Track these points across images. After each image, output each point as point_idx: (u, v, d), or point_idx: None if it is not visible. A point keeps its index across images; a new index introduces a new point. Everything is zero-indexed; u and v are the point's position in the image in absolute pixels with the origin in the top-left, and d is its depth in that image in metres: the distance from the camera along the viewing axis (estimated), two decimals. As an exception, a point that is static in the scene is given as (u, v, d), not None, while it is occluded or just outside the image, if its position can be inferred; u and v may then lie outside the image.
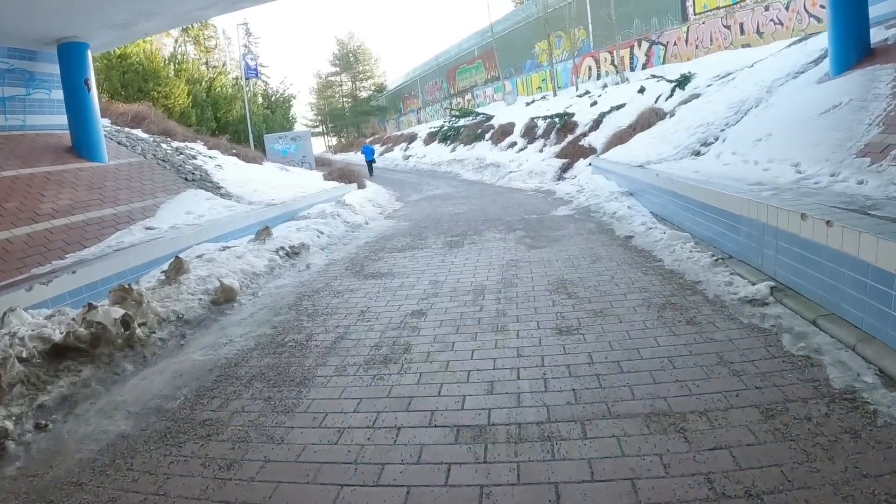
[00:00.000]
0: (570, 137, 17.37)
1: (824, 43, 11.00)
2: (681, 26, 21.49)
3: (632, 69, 23.13)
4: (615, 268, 5.88)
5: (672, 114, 14.43)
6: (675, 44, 21.86)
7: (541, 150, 18.52)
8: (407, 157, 31.13)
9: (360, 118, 60.32)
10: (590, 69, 26.53)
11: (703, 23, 20.63)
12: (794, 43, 13.31)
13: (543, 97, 26.12)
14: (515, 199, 12.71)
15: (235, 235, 8.77)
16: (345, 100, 63.25)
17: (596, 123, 16.77)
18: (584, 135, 16.81)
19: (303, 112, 67.71)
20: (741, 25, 19.36)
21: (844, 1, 8.48)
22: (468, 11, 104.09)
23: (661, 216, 8.31)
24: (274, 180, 14.02)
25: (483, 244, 7.82)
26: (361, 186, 16.76)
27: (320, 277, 6.81)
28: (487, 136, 24.03)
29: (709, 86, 15.01)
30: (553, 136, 18.58)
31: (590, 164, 15.14)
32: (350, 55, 62.54)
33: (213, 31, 46.53)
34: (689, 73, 15.98)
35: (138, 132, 14.29)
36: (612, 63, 24.89)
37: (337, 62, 63.48)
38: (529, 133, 20.50)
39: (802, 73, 10.16)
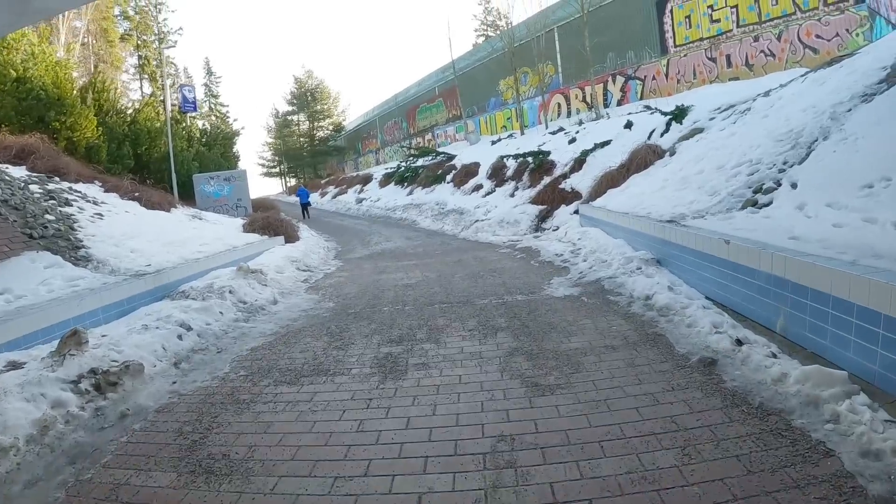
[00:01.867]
0: (547, 180, 14.25)
1: (885, 59, 8.25)
2: (660, 59, 18.92)
3: (605, 106, 20.43)
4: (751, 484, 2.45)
5: (673, 151, 11.56)
6: (653, 78, 19.27)
7: (512, 195, 15.35)
8: (360, 201, 27.73)
9: (317, 159, 57.00)
10: (559, 107, 23.81)
11: (685, 55, 18.08)
12: (828, 64, 10.48)
13: (510, 136, 23.21)
14: (488, 262, 9.35)
15: (36, 339, 5.13)
16: (302, 139, 59.82)
17: (578, 163, 13.71)
18: (565, 176, 13.71)
19: (260, 152, 64.27)
20: (728, 58, 16.83)
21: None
22: (430, 48, 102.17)
23: (735, 309, 5.03)
24: (172, 234, 10.38)
25: (443, 370, 4.27)
26: (292, 239, 13.22)
27: (113, 463, 3.19)
28: (449, 177, 20.87)
29: (711, 119, 12.19)
30: (526, 177, 15.45)
31: (575, 213, 12.02)
32: (308, 94, 59.37)
33: (172, 68, 43.01)
34: (683, 105, 13.12)
35: (5, 168, 10.62)
36: (584, 100, 22.21)
37: (294, 101, 60.22)
38: (497, 174, 17.37)
39: (874, 94, 7.24)
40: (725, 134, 9.87)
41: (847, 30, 13.93)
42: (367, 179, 32.51)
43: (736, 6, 16.33)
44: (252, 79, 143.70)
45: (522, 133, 22.92)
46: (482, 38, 40.73)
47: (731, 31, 16.60)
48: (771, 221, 5.75)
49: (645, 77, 19.42)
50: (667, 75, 18.61)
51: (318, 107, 59.53)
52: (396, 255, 11.58)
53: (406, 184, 24.43)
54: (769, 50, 15.63)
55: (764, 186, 6.79)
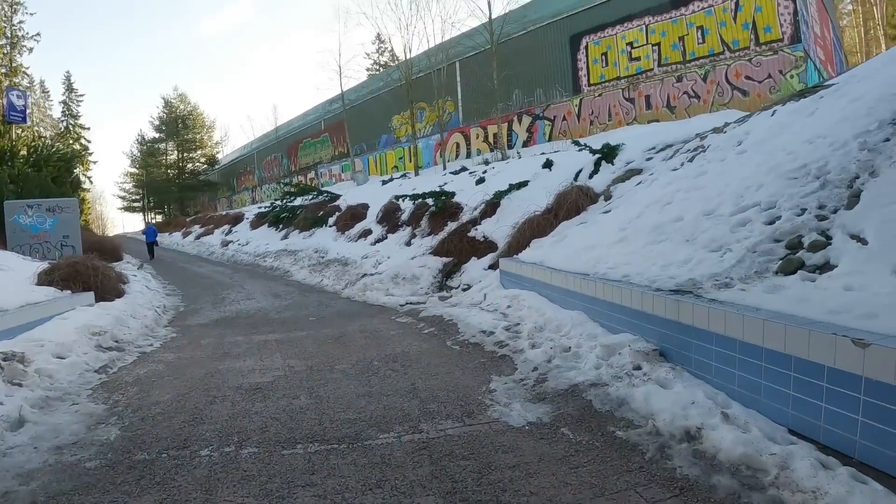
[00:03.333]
0: (452, 226, 11.71)
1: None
2: (572, 98, 17.42)
3: (509, 146, 18.59)
4: None
5: (608, 195, 9.58)
6: (564, 118, 17.74)
7: (408, 243, 12.64)
8: (226, 244, 23.84)
9: (186, 194, 51.41)
10: (458, 146, 21.81)
11: (600, 95, 16.70)
12: (793, 98, 8.89)
13: (403, 176, 20.73)
14: (383, 341, 6.42)
15: None
16: (170, 171, 53.86)
17: (491, 207, 11.31)
18: (475, 222, 11.23)
19: (121, 182, 57.17)
20: (647, 98, 15.54)
21: None
22: (318, 78, 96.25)
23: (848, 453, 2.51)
24: None
25: None
26: (110, 296, 9.54)
27: None
28: (332, 220, 17.85)
29: (649, 159, 10.41)
30: (425, 223, 12.83)
31: (491, 268, 9.55)
32: (178, 120, 53.73)
33: (25, 78, 36.39)
34: (611, 143, 11.25)
35: None
36: (486, 140, 20.33)
37: (163, 127, 54.24)
38: (390, 218, 14.64)
39: (893, 118, 5.42)
40: (687, 174, 7.82)
41: (780, 71, 13.00)
42: (237, 219, 28.57)
43: (658, 44, 15.24)
44: (122, 102, 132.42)
45: (417, 174, 20.57)
46: (374, 72, 38.61)
47: (651, 70, 15.42)
48: (857, 295, 3.49)
49: (555, 117, 17.89)
50: (579, 116, 17.15)
51: (190, 135, 53.99)
52: (255, 322, 8.34)
53: (281, 226, 21.04)
54: (693, 91, 14.51)
55: (804, 240, 4.59)
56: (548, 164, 12.11)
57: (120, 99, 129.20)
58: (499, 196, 11.36)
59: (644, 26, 15.39)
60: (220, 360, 6.00)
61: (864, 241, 4.23)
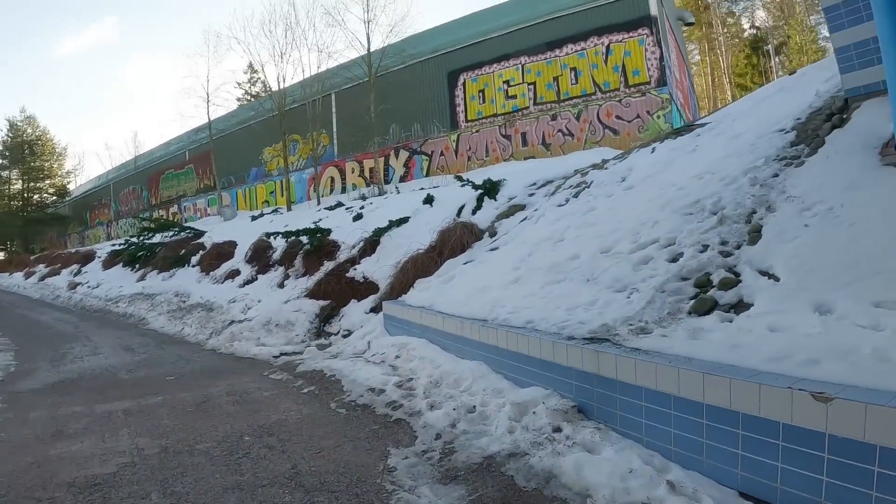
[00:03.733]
0: (329, 265, 10.80)
1: (774, 122, 6.88)
2: (449, 134, 17.31)
3: (386, 182, 18.04)
4: None
5: (493, 232, 9.31)
6: (441, 154, 17.55)
7: (280, 285, 11.51)
8: (74, 286, 20.89)
9: (32, 228, 45.32)
10: (332, 181, 20.93)
11: (477, 131, 16.73)
12: (670, 136, 9.12)
13: (275, 211, 19.40)
14: (255, 407, 5.38)
15: None
16: (13, 203, 47.23)
17: (370, 245, 10.56)
18: (353, 262, 10.42)
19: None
20: (523, 135, 15.75)
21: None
22: (182, 106, 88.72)
23: None
24: None
25: None
26: None
27: None
28: (195, 259, 16.13)
29: (531, 195, 10.37)
30: (299, 262, 11.79)
31: (372, 311, 8.81)
32: (25, 146, 47.45)
33: None
34: (492, 179, 11.04)
35: None
36: (362, 174, 19.66)
37: (6, 152, 47.61)
38: (260, 257, 13.39)
39: (798, 157, 5.53)
40: (575, 210, 7.64)
41: (648, 112, 13.65)
42: (87, 258, 25.28)
43: (534, 83, 15.55)
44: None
45: (290, 209, 19.38)
46: (245, 102, 36.67)
47: (527, 108, 15.69)
48: (787, 337, 3.34)
49: (432, 152, 17.68)
50: (457, 151, 17.06)
51: (38, 163, 47.84)
52: (101, 385, 6.84)
53: (138, 266, 18.74)
54: (567, 129, 14.90)
55: (713, 278, 4.38)
56: (429, 200, 11.65)
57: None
58: (379, 233, 10.66)
59: (520, 65, 15.71)
60: (50, 441, 4.67)
61: (775, 278, 4.13)
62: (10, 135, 48.15)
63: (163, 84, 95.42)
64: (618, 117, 14.19)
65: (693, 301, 4.24)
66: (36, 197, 48.40)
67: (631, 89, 14.04)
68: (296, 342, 8.93)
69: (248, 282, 12.83)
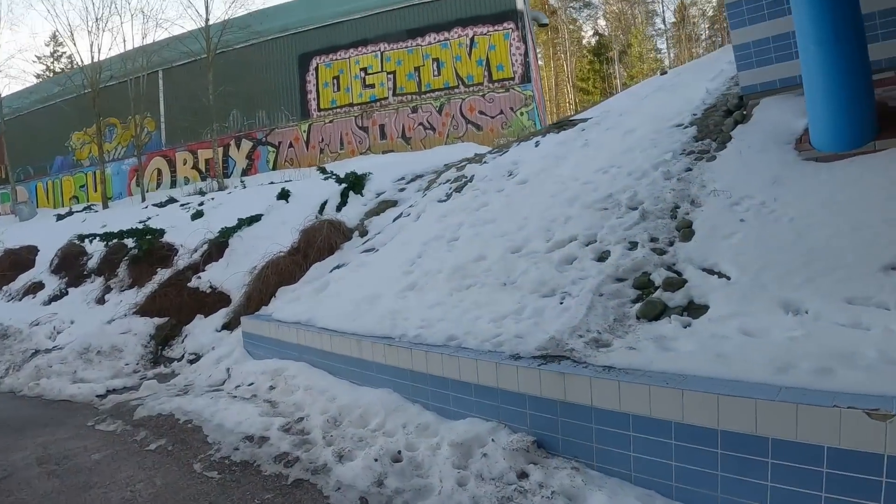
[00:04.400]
0: (164, 274, 9.09)
1: (668, 117, 6.85)
2: (300, 123, 15.98)
3: (226, 175, 16.20)
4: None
5: (364, 231, 8.55)
6: (291, 145, 16.17)
7: (100, 300, 9.53)
8: None
9: None
10: (159, 174, 18.44)
11: (331, 121, 15.60)
12: (554, 129, 8.87)
13: (88, 209, 16.51)
14: (84, 482, 3.80)
15: None
16: None
17: (217, 248, 9.04)
18: (196, 269, 8.84)
19: None
20: (381, 128, 14.97)
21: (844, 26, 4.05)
22: None
23: None
24: None
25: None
26: None
27: None
28: (-21, 270, 13.13)
29: (402, 190, 9.74)
30: (125, 271, 9.86)
31: (225, 329, 7.59)
32: None
33: None
34: (356, 171, 10.14)
35: None
36: (196, 167, 17.54)
37: None
38: (71, 266, 11.10)
39: (707, 151, 5.44)
40: (464, 206, 6.99)
41: (512, 108, 13.53)
42: None
43: (394, 72, 14.76)
44: None
45: (106, 206, 16.62)
46: (45, 76, 31.43)
47: (386, 98, 14.88)
48: (775, 342, 2.96)
49: (280, 143, 16.18)
50: (308, 143, 15.76)
51: None
52: None
53: None
54: (429, 123, 14.34)
55: (654, 278, 3.99)
56: (284, 195, 10.35)
57: None
58: (226, 234, 9.19)
59: (379, 52, 14.86)
60: None
61: (725, 276, 3.85)
62: None
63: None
64: (481, 112, 13.95)
65: (639, 305, 3.79)
66: None
67: (495, 84, 13.86)
68: (126, 373, 7.25)
69: (55, 297, 10.55)
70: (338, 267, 7.44)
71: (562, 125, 9.16)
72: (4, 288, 12.05)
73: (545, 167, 7.10)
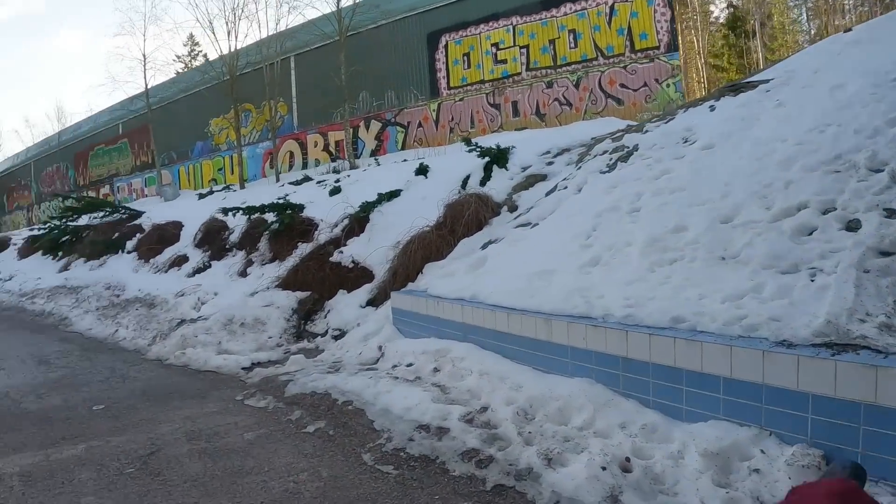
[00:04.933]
0: (305, 248, 8.93)
1: None
2: (429, 103, 15.60)
3: (356, 157, 16.17)
4: None
5: (512, 206, 7.91)
6: (420, 125, 15.82)
7: (242, 273, 9.59)
8: (-22, 279, 18.12)
9: (-67, 213, 40.71)
10: (291, 156, 18.85)
11: (461, 99, 15.07)
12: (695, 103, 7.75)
13: (227, 188, 17.20)
14: (237, 465, 3.49)
15: None
16: None
17: (359, 223, 8.75)
18: (338, 244, 8.59)
19: None
20: (514, 104, 14.24)
21: None
22: (115, 69, 76.72)
23: None
24: None
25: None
26: None
27: None
28: (131, 244, 13.88)
29: (549, 164, 8.95)
30: (265, 245, 9.87)
31: (370, 305, 7.24)
32: None
33: None
34: (500, 145, 9.50)
35: None
36: (327, 149, 17.72)
37: None
38: (213, 240, 11.37)
39: None
40: (638, 176, 6.10)
41: (657, 79, 12.35)
42: (1, 245, 22.33)
43: (527, 46, 13.98)
44: None
45: (243, 187, 17.19)
46: (183, 69, 33.51)
47: (519, 74, 14.13)
48: None
49: (409, 123, 15.90)
50: (437, 122, 15.35)
51: None
52: None
53: (60, 253, 16.19)
54: (565, 98, 13.43)
55: None
56: (422, 171, 9.92)
57: None
58: (367, 209, 8.87)
59: (511, 27, 14.15)
60: None
61: None
62: None
63: (91, 58, 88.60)
64: (622, 85, 12.86)
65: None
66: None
67: (638, 54, 12.71)
68: (270, 346, 7.08)
69: (198, 270, 10.82)
70: (490, 242, 6.85)
71: (737, 88, 7.96)
72: (152, 260, 12.62)
73: (731, 130, 6.07)
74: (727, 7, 28.56)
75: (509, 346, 4.25)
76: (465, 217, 7.53)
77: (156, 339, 8.01)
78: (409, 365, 4.84)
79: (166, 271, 11.69)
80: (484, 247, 6.87)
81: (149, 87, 22.51)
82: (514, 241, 6.19)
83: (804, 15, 30.49)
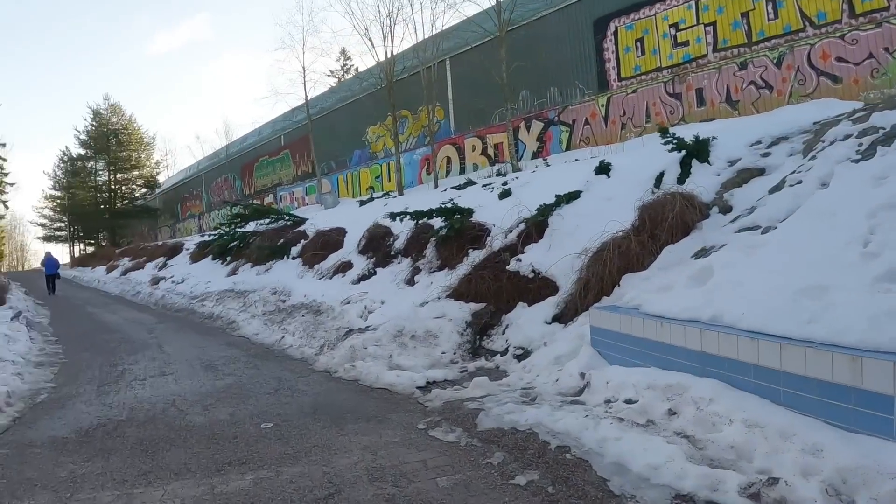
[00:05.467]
0: (477, 255, 8.36)
1: None
2: (597, 97, 14.52)
3: (517, 160, 15.48)
4: None
5: (725, 207, 6.98)
6: (586, 122, 14.78)
7: (410, 282, 9.27)
8: (156, 281, 19.95)
9: (120, 221, 46.48)
10: (448, 161, 18.67)
11: (634, 91, 13.82)
12: None
13: (386, 195, 17.39)
14: None
15: None
16: (100, 195, 48.67)
17: (536, 228, 8.00)
18: (514, 251, 7.89)
19: (40, 207, 51.32)
20: (699, 92, 12.75)
21: None
22: (276, 82, 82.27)
23: None
24: None
25: None
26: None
27: None
28: (295, 250, 14.35)
29: (765, 156, 7.78)
30: (432, 252, 9.49)
31: (557, 321, 6.49)
32: (110, 135, 48.02)
33: None
34: (699, 135, 8.27)
35: None
36: (485, 152, 17.28)
37: (90, 142, 48.58)
38: (377, 246, 11.27)
39: None
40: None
41: (887, 49, 10.31)
42: (175, 250, 24.61)
43: (713, 24, 12.42)
44: (56, 122, 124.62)
45: (401, 193, 17.27)
46: (340, 79, 35.11)
47: (704, 56, 12.61)
48: None
49: (574, 121, 14.90)
50: (606, 118, 14.19)
51: (124, 153, 48.68)
52: (157, 437, 4.55)
53: (229, 258, 17.31)
54: (763, 80, 11.70)
55: None
56: (603, 169, 8.96)
57: (54, 119, 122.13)
58: (545, 212, 8.10)
59: (693, 3, 12.67)
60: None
61: None
62: (94, 123, 48.63)
63: (254, 73, 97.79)
64: (839, 59, 10.89)
65: None
66: (123, 189, 49.40)
67: (859, 19, 10.70)
68: (444, 363, 6.56)
69: (363, 277, 10.74)
70: (705, 250, 5.83)
71: None
72: (316, 266, 12.85)
73: None
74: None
75: (782, 388, 3.25)
76: (669, 220, 6.54)
77: (323, 348, 7.85)
78: (630, 402, 3.97)
79: (331, 277, 11.79)
80: (697, 256, 5.87)
81: (308, 98, 23.60)
82: (748, 248, 5.08)
83: None
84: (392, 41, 17.97)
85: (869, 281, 3.60)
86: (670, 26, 13.13)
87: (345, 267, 11.77)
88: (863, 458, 2.60)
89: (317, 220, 15.91)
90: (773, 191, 6.36)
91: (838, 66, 10.96)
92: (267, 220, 17.26)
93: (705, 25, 12.61)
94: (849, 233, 4.31)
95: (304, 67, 23.92)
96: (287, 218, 16.94)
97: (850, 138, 6.42)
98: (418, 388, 5.61)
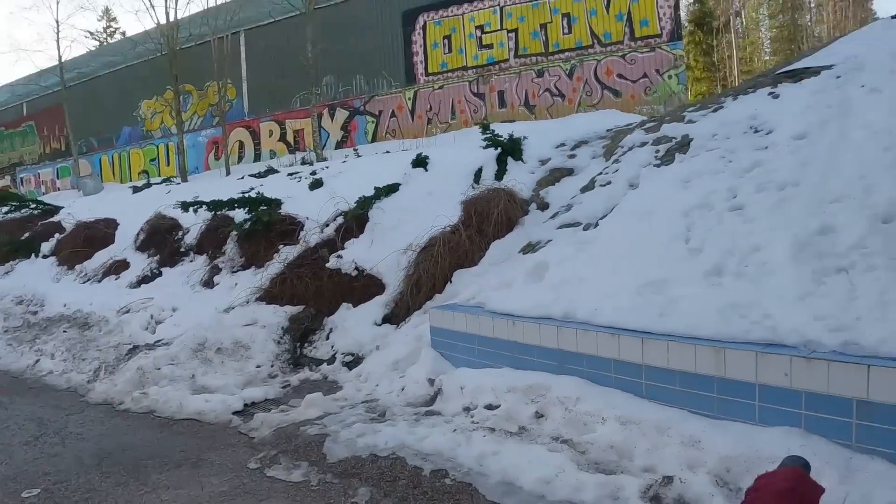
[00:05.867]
0: (290, 252, 7.75)
1: None
2: (404, 90, 14.59)
3: (322, 148, 14.94)
4: None
5: (542, 203, 7.61)
6: (393, 114, 14.79)
7: (208, 284, 8.27)
8: None
9: None
10: (241, 146, 17.37)
11: (441, 87, 14.15)
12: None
13: (168, 181, 15.51)
14: None
15: None
16: None
17: (356, 222, 7.69)
18: (333, 247, 7.44)
19: None
20: (500, 94, 13.49)
21: None
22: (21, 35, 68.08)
23: None
24: None
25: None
26: None
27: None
28: (48, 246, 12.13)
29: (571, 157, 8.49)
30: (233, 249, 8.59)
31: (388, 322, 6.26)
32: None
33: None
34: (512, 134, 8.67)
35: None
36: (283, 139, 16.41)
37: None
38: (161, 241, 9.92)
39: None
40: (712, 169, 5.45)
41: (658, 70, 11.88)
42: None
43: (515, 31, 13.21)
44: None
45: (186, 180, 15.57)
46: (103, 41, 31.00)
47: (506, 60, 13.34)
48: None
49: (380, 112, 14.79)
50: (413, 112, 14.33)
51: None
52: None
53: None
54: (556, 88, 12.75)
55: None
56: (420, 163, 8.88)
57: None
58: (365, 205, 7.80)
59: (498, 8, 13.30)
60: None
61: None
62: None
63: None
64: (620, 76, 12.31)
65: None
66: None
67: (638, 42, 12.20)
68: (261, 378, 5.87)
69: (145, 279, 9.36)
70: (532, 246, 6.03)
71: (795, 75, 7.46)
72: (78, 267, 10.93)
73: (825, 118, 5.53)
74: (693, 2, 28.92)
75: (644, 381, 3.38)
76: (495, 216, 6.69)
77: (99, 373, 6.54)
78: (491, 407, 3.84)
79: (100, 281, 10.11)
80: (525, 251, 6.06)
81: (63, 59, 20.26)
82: (578, 244, 5.34)
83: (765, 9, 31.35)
84: (176, 3, 16.15)
85: (701, 275, 3.93)
86: (476, 27, 13.69)
87: (119, 267, 10.17)
88: (739, 445, 2.75)
89: (75, 208, 13.61)
90: (584, 190, 6.82)
91: (619, 82, 12.34)
92: (5, 209, 14.39)
93: (508, 31, 13.37)
94: (669, 230, 4.71)
95: (57, 21, 20.27)
96: (34, 206, 14.32)
97: (647, 145, 7.13)
98: (235, 413, 4.82)
